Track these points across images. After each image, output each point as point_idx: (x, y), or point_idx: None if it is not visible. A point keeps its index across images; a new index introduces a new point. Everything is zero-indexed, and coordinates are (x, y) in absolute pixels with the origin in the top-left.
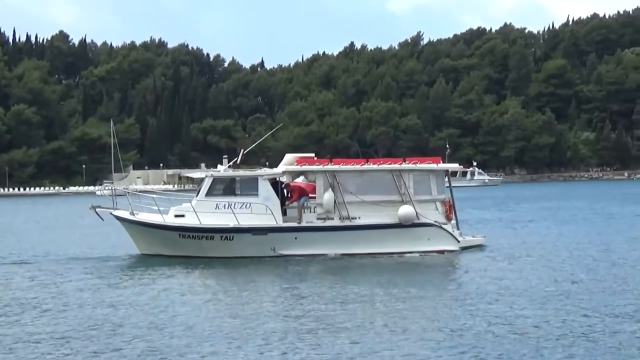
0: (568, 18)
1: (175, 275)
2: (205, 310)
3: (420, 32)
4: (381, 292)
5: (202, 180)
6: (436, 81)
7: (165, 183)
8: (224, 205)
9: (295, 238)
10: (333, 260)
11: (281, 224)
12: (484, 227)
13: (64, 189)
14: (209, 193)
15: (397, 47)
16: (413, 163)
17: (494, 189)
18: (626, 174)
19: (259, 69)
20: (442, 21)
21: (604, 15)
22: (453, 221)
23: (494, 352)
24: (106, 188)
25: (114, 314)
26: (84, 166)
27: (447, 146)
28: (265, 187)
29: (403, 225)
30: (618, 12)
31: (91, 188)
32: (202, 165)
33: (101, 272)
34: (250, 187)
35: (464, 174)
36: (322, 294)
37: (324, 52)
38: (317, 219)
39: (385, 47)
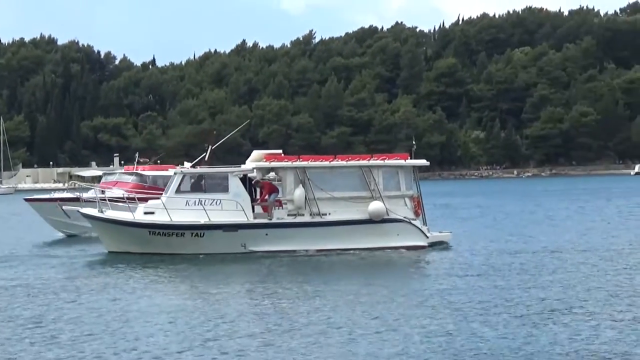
0: (459, 17)
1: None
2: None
3: (312, 30)
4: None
5: (172, 176)
6: (328, 80)
7: (55, 181)
8: (194, 202)
9: (266, 234)
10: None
11: (252, 220)
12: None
13: None
14: (179, 190)
15: (289, 46)
16: (381, 159)
17: None
18: (515, 172)
19: (150, 67)
20: (334, 20)
21: (494, 15)
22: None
23: None
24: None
25: None
26: None
27: (414, 142)
28: (235, 184)
29: (373, 221)
30: (508, 12)
31: None
32: (93, 163)
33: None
34: (220, 183)
35: None
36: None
37: (215, 50)
38: (288, 215)
39: (277, 45)
